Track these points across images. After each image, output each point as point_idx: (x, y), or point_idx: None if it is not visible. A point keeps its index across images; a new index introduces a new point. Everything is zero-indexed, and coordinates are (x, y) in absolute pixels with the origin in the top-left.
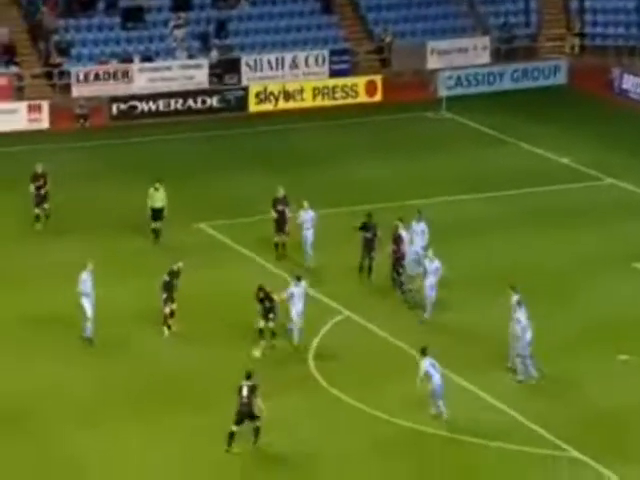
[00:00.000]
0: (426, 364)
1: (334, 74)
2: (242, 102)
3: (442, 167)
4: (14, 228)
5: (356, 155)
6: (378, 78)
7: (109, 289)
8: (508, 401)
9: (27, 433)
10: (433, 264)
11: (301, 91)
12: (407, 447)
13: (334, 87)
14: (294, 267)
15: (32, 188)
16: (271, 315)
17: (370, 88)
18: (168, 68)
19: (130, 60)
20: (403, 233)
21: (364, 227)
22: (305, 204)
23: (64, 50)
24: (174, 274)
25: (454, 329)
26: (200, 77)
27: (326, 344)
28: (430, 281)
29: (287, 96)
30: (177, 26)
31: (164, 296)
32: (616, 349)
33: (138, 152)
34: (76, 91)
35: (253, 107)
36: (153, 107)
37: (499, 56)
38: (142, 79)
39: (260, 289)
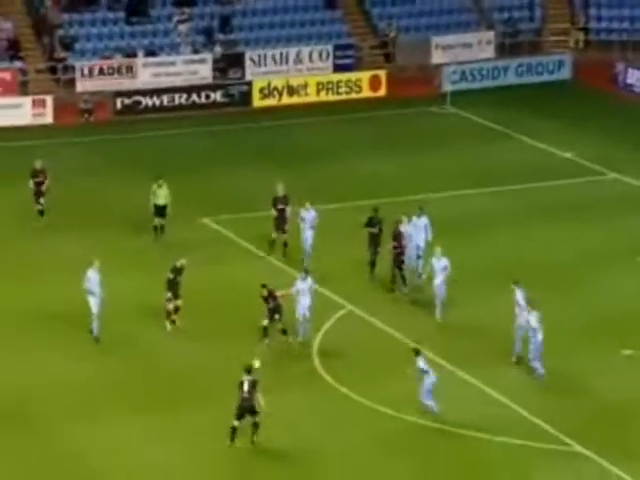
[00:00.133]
0: (420, 363)
1: (338, 69)
2: (246, 97)
3: (446, 162)
4: (17, 223)
5: (360, 150)
6: (382, 73)
7: (112, 285)
8: (512, 396)
9: (29, 427)
10: (441, 262)
11: (305, 86)
12: (411, 442)
13: (338, 82)
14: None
15: (31, 184)
16: (277, 316)
17: (374, 83)
18: (172, 63)
19: (134, 55)
20: (404, 229)
21: (370, 222)
22: (307, 204)
23: (68, 45)
24: (177, 271)
25: (458, 324)
26: (204, 72)
27: (330, 339)
28: (439, 280)
29: (291, 91)
30: (181, 21)
31: (168, 294)
32: (620, 344)
33: (142, 147)
34: (80, 86)
35: (257, 102)
36: (157, 102)
37: (503, 51)
38: (146, 74)
39: (263, 287)
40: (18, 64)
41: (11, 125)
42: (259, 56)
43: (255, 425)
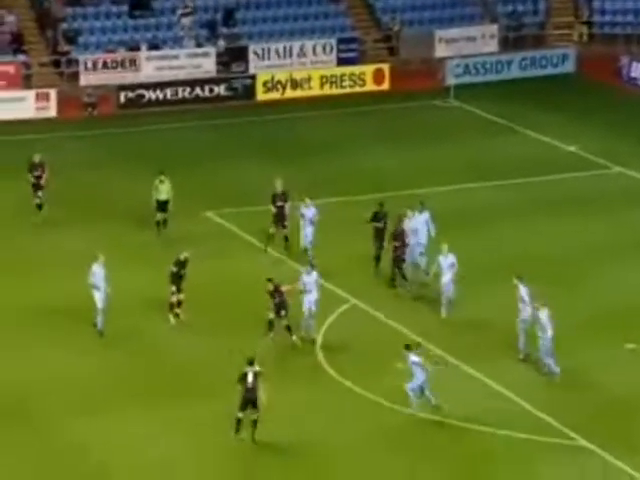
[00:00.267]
0: (411, 359)
1: (342, 62)
2: (249, 90)
3: (450, 155)
4: (19, 216)
5: (364, 144)
6: (386, 66)
7: (116, 279)
8: (516, 389)
9: (32, 422)
10: (448, 259)
11: (309, 79)
12: (415, 436)
13: (342, 75)
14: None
15: (30, 178)
16: (282, 312)
17: (378, 76)
18: (175, 56)
19: (138, 48)
20: (408, 224)
21: (375, 216)
22: (307, 199)
23: (72, 38)
24: (181, 264)
25: (462, 318)
26: (207, 65)
27: (333, 333)
28: (447, 278)
29: (294, 84)
30: (184, 14)
31: (172, 287)
32: (624, 338)
33: (146, 140)
34: (84, 79)
35: (260, 95)
36: (161, 95)
37: (507, 44)
38: (150, 67)
39: (269, 281)
40: (22, 57)
41: (15, 118)
42: (263, 50)
43: (254, 423)
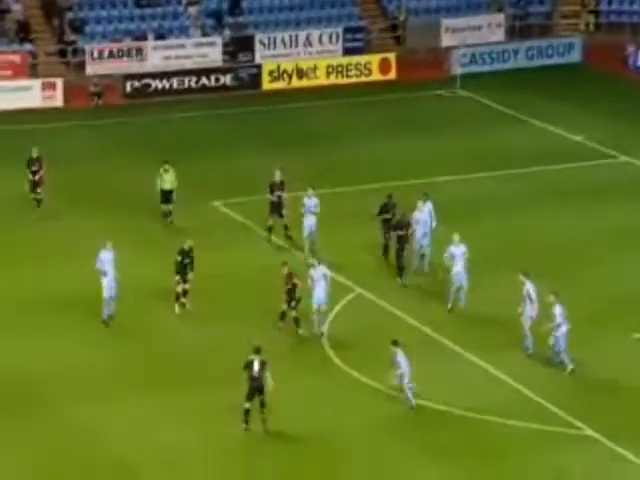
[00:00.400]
0: (397, 354)
1: (348, 52)
2: (255, 80)
3: (456, 145)
4: (26, 206)
5: (370, 133)
6: (392, 56)
7: (122, 268)
8: (522, 379)
9: (41, 409)
10: (460, 249)
11: (315, 69)
12: (422, 426)
13: (348, 65)
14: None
15: (28, 173)
16: (293, 303)
17: (384, 66)
18: (182, 46)
19: (144, 38)
20: (416, 215)
21: (384, 207)
22: (309, 190)
23: (78, 28)
24: (185, 253)
25: (469, 308)
26: (214, 55)
27: (340, 323)
28: (459, 267)
29: (301, 74)
30: (191, 3)
31: (177, 277)
32: (631, 327)
33: (152, 130)
34: (90, 69)
35: (266, 85)
36: (167, 85)
37: (513, 33)
38: (156, 57)
39: (284, 265)
40: (28, 47)
41: (21, 108)
42: (269, 39)
43: (262, 404)
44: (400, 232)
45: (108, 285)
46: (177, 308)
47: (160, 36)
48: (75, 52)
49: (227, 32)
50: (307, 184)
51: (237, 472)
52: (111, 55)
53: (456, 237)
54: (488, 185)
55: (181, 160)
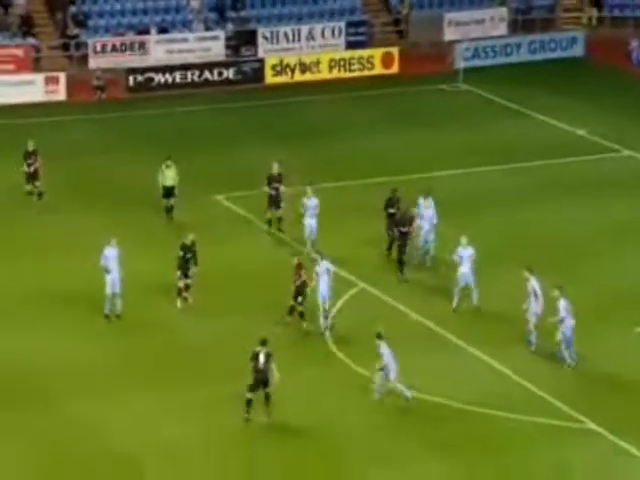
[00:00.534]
0: (381, 347)
1: (350, 46)
2: (258, 74)
3: (459, 139)
4: (26, 200)
5: (373, 127)
6: (395, 50)
7: (125, 263)
8: (525, 374)
9: (46, 405)
10: (467, 250)
11: (317, 63)
12: (424, 419)
13: (350, 59)
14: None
15: (25, 166)
16: (300, 298)
17: (387, 60)
18: (185, 40)
19: (147, 32)
20: (418, 211)
21: (389, 202)
22: (309, 190)
23: (81, 21)
24: (187, 248)
25: (468, 300)
26: (217, 49)
27: (343, 317)
28: (466, 268)
29: (303, 68)
30: None
31: (178, 272)
32: (633, 321)
33: (155, 124)
34: (93, 63)
35: (269, 79)
36: (170, 79)
37: (516, 27)
38: (159, 51)
39: (294, 256)
40: (31, 41)
41: (24, 102)
42: (271, 33)
43: (267, 397)
44: (402, 228)
45: (112, 282)
46: (179, 303)
47: (163, 30)
48: (78, 46)
49: (230, 26)
50: (307, 181)
51: (239, 465)
52: (114, 49)
53: (464, 239)
54: (491, 179)
55: (183, 154)
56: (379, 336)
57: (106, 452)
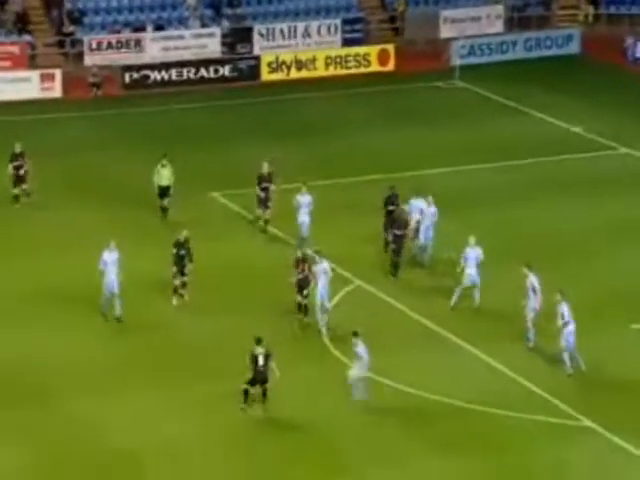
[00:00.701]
0: (358, 345)
1: (347, 43)
2: (254, 71)
3: (455, 136)
4: (21, 198)
5: (368, 124)
6: (391, 47)
7: (122, 261)
8: (524, 372)
9: (43, 402)
10: (475, 251)
11: (313, 60)
12: (421, 416)
13: (347, 56)
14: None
15: (10, 168)
16: (304, 292)
17: (383, 57)
18: (181, 37)
19: (143, 29)
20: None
21: (388, 199)
22: (303, 187)
23: (77, 19)
24: (180, 245)
25: (468, 300)
26: (212, 46)
27: (338, 314)
28: (472, 269)
29: (299, 65)
30: None
31: (173, 269)
32: (630, 318)
33: (150, 121)
34: (89, 60)
35: (265, 76)
36: (166, 76)
37: (512, 25)
38: (154, 48)
39: (297, 249)
40: (27, 38)
41: (20, 99)
42: (267, 30)
43: (264, 392)
44: (397, 231)
45: (110, 284)
46: (174, 300)
47: (159, 27)
48: (74, 43)
49: (226, 23)
50: (301, 179)
51: (239, 462)
52: (110, 46)
53: (472, 239)
54: (487, 177)
55: (180, 151)
56: (355, 334)
57: (106, 450)
